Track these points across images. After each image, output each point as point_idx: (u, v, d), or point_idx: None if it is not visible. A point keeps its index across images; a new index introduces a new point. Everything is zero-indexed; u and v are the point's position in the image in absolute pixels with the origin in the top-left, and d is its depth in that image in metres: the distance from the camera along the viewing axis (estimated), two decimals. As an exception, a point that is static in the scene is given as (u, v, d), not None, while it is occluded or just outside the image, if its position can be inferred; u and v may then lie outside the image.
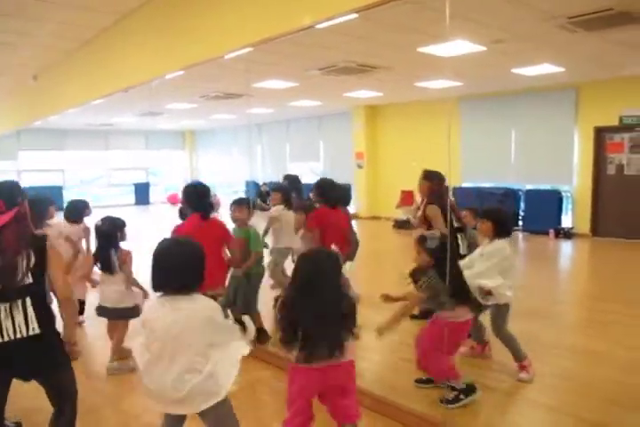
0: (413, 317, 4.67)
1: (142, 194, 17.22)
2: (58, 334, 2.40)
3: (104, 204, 17.25)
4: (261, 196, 14.15)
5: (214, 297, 3.48)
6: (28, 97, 9.33)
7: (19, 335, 2.24)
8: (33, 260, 2.30)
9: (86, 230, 4.72)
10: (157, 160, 18.83)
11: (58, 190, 15.11)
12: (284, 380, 2.33)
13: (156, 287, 2.16)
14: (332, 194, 4.73)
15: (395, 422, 2.92)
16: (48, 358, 2.35)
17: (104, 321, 3.94)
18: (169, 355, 2.10)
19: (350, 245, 4.81)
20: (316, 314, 2.21)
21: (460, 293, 3.09)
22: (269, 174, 15.42)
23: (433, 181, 4.44)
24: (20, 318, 2.25)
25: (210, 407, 2.12)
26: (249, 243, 4.16)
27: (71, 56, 6.95)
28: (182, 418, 2.29)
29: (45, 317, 2.33)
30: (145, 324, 2.18)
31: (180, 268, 2.13)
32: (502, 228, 3.50)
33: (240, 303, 4.21)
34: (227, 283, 4.14)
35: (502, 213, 3.72)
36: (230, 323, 2.37)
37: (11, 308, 2.24)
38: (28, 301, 2.27)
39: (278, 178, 15.15)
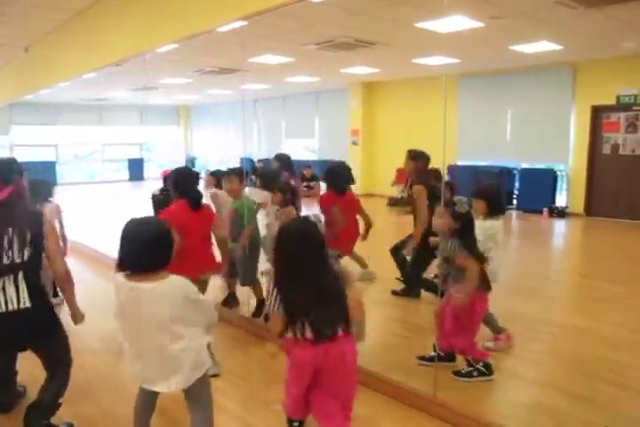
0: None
1: (136, 170, 17.13)
2: (50, 305, 2.48)
3: (98, 179, 17.22)
4: (256, 172, 14.15)
5: (206, 281, 3.53)
6: (20, 70, 9.19)
7: (10, 308, 2.31)
8: (29, 237, 2.36)
9: (58, 208, 4.59)
10: (152, 136, 18.67)
11: (51, 166, 15.03)
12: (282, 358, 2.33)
13: (121, 268, 2.09)
14: (337, 181, 4.70)
15: (386, 397, 2.97)
16: (39, 329, 2.42)
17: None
18: (142, 334, 2.08)
19: (353, 235, 4.77)
20: (310, 296, 2.15)
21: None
22: (264, 151, 15.33)
23: (418, 161, 4.46)
24: (11, 291, 2.32)
25: (192, 385, 2.13)
26: (240, 215, 4.15)
27: (63, 28, 6.82)
28: (156, 394, 2.29)
29: (37, 290, 2.40)
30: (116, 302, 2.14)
31: (146, 248, 2.06)
32: (495, 206, 3.45)
33: (240, 276, 4.25)
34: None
35: (494, 191, 3.66)
36: (204, 301, 2.26)
37: (3, 282, 2.31)
38: (21, 275, 2.34)
39: (272, 155, 15.06)
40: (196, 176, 3.57)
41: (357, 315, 2.26)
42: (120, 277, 2.08)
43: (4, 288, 2.31)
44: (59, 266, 2.45)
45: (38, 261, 2.43)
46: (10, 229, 2.33)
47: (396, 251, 4.75)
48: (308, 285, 2.15)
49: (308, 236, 2.24)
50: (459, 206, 3.03)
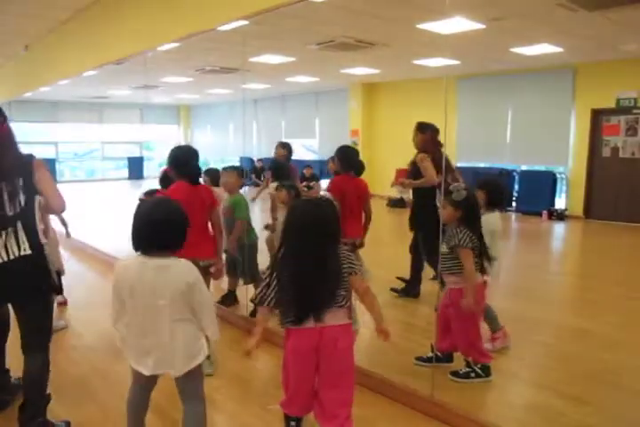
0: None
1: (136, 168, 17.11)
2: (45, 257, 2.48)
3: (98, 177, 17.20)
4: (256, 172, 14.15)
5: (207, 267, 3.48)
6: (20, 67, 9.18)
7: (12, 257, 2.33)
8: (20, 184, 2.36)
9: None
10: (152, 134, 18.64)
11: (51, 163, 15.01)
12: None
13: (137, 247, 2.08)
14: (355, 161, 4.35)
15: (383, 397, 2.97)
16: (35, 277, 2.43)
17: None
18: (154, 314, 2.05)
19: (367, 219, 4.47)
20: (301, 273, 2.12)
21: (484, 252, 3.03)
22: (264, 150, 15.32)
23: (425, 132, 4.38)
24: (12, 242, 2.34)
25: (190, 370, 2.12)
26: (234, 211, 4.15)
27: (63, 26, 6.82)
28: (153, 383, 2.27)
29: (35, 238, 2.41)
30: (120, 284, 2.08)
31: (162, 227, 2.05)
32: (495, 198, 3.42)
33: (242, 275, 4.28)
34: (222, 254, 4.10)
35: (496, 183, 3.65)
36: (209, 299, 2.21)
37: (6, 234, 2.33)
38: (19, 224, 2.36)
39: (271, 155, 15.02)
40: (195, 152, 3.54)
41: (370, 301, 2.25)
42: (131, 257, 2.09)
43: (4, 239, 2.32)
44: (56, 202, 2.45)
45: (33, 209, 2.42)
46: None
47: (417, 248, 4.55)
48: (309, 258, 2.13)
49: (320, 211, 2.20)
50: (455, 194, 2.97)
